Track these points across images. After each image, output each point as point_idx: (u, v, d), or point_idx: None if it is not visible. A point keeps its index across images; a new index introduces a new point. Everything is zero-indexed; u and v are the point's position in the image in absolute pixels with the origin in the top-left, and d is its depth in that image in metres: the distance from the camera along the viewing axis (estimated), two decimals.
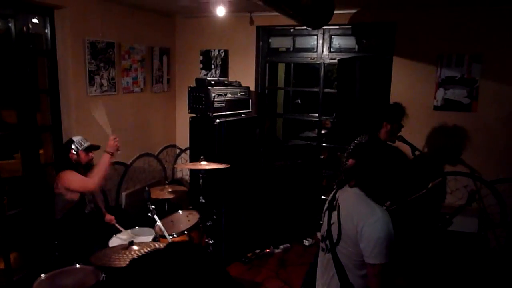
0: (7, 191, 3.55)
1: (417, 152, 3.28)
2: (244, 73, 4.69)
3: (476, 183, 3.87)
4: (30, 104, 3.29)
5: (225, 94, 3.76)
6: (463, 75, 3.79)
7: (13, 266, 3.22)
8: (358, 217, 1.66)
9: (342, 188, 1.84)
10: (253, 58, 4.68)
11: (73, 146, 3.00)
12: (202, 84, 3.69)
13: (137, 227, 3.21)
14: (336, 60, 4.34)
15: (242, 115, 4.00)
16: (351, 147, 3.10)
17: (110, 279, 2.33)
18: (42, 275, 2.33)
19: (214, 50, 4.80)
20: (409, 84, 4.00)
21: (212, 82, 3.72)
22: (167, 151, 5.06)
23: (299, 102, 6.03)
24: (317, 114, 4.70)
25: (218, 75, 4.79)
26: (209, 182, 3.43)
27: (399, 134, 3.10)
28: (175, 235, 2.85)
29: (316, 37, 4.52)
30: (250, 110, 4.13)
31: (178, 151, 5.22)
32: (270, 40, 4.81)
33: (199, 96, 3.66)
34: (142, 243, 2.52)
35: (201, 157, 3.29)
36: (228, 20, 4.46)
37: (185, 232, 2.90)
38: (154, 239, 2.86)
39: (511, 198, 3.78)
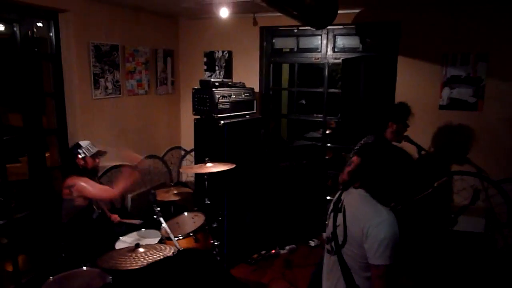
0: (15, 194, 3.58)
1: (423, 152, 3.26)
2: (248, 74, 4.69)
3: (483, 183, 3.84)
4: (36, 107, 3.31)
5: (230, 96, 3.76)
6: (468, 74, 3.76)
7: (21, 268, 3.24)
8: (363, 219, 1.65)
9: (347, 189, 1.83)
10: (257, 59, 4.68)
11: (80, 152, 3.01)
12: (206, 86, 3.69)
13: (143, 229, 3.22)
14: (340, 60, 4.32)
15: (247, 116, 4.00)
16: (357, 147, 3.08)
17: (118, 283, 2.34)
18: (50, 278, 2.34)
19: (218, 51, 4.80)
20: (414, 83, 3.97)
21: (216, 84, 3.73)
22: (172, 153, 5.07)
23: (304, 102, 6.02)
24: (321, 115, 4.69)
25: (222, 76, 4.79)
26: (214, 184, 3.43)
27: (405, 134, 3.08)
28: (181, 237, 2.86)
29: (320, 37, 4.50)
30: (255, 111, 4.12)
31: (183, 152, 5.23)
32: (274, 40, 4.80)
33: (203, 98, 3.66)
34: (148, 245, 2.52)
35: (206, 158, 3.30)
36: (231, 21, 4.46)
37: (191, 234, 2.90)
38: (160, 241, 2.87)
39: None
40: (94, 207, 3.07)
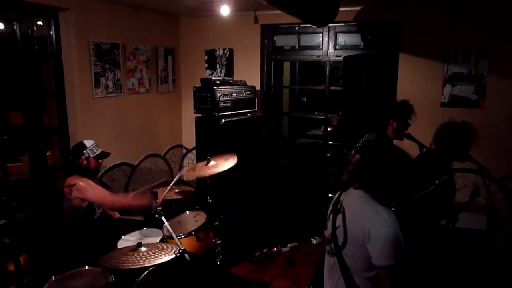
0: (16, 194, 3.57)
1: (424, 149, 3.25)
2: (249, 71, 4.68)
3: (484, 180, 3.83)
4: (37, 106, 3.30)
5: (231, 94, 3.75)
6: (470, 71, 3.74)
7: (23, 268, 3.24)
8: (364, 220, 1.65)
9: (346, 190, 1.82)
10: (258, 57, 4.67)
11: (84, 152, 2.99)
12: (208, 84, 3.68)
13: (145, 228, 3.22)
14: (341, 58, 4.31)
15: (248, 115, 3.99)
16: (359, 144, 3.08)
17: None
18: (52, 278, 2.34)
19: (219, 49, 4.79)
20: (415, 81, 3.96)
21: (218, 82, 3.71)
22: (173, 151, 5.07)
23: (305, 100, 6.00)
24: (323, 112, 4.68)
25: (223, 74, 4.78)
26: (216, 182, 3.43)
27: (406, 132, 3.08)
28: (183, 236, 2.85)
29: (321, 34, 4.49)
30: (256, 109, 4.11)
31: (184, 151, 5.23)
32: (275, 38, 4.78)
33: (204, 96, 3.65)
34: (150, 244, 2.53)
35: (208, 157, 3.28)
36: (232, 19, 4.45)
37: (193, 232, 2.89)
38: (162, 240, 2.87)
39: None
40: (95, 207, 3.06)
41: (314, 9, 3.11)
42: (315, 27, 4.30)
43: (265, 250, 4.05)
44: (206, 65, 4.89)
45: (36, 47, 3.35)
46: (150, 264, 2.25)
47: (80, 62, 3.56)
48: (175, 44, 4.90)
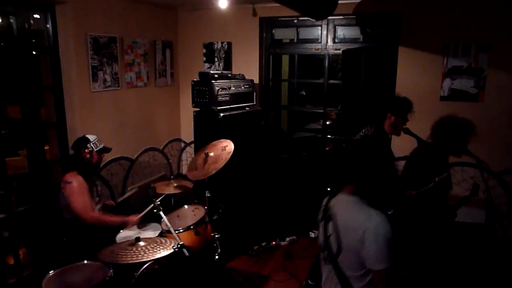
0: (15, 188, 3.58)
1: (422, 143, 3.24)
2: (248, 65, 4.65)
3: (483, 174, 3.83)
4: (34, 100, 3.29)
5: (229, 88, 3.74)
6: (470, 64, 3.72)
7: (23, 262, 3.26)
8: (356, 226, 1.63)
9: (335, 196, 1.80)
10: (256, 50, 4.64)
11: (88, 146, 3.00)
12: (206, 78, 3.66)
13: (143, 222, 3.22)
14: (340, 51, 4.28)
15: (247, 108, 3.98)
16: (357, 138, 3.07)
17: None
18: (51, 272, 2.35)
19: (217, 42, 4.76)
20: (415, 74, 3.94)
21: (216, 76, 3.70)
22: (172, 145, 5.06)
23: (304, 93, 5.99)
24: (322, 106, 4.67)
25: (221, 67, 4.76)
26: (214, 176, 3.43)
27: (405, 126, 3.07)
28: (181, 230, 2.86)
29: (320, 27, 4.46)
30: (255, 103, 4.10)
31: (183, 145, 5.23)
32: (273, 31, 4.75)
33: (202, 90, 3.64)
34: (148, 238, 2.53)
35: (206, 152, 3.28)
36: (230, 12, 4.42)
37: (191, 227, 2.90)
38: (161, 234, 2.88)
39: None
40: (93, 205, 3.06)
41: (313, 2, 3.08)
42: (314, 20, 4.27)
43: (263, 243, 4.07)
44: (204, 59, 4.87)
45: (34, 40, 3.33)
46: (149, 259, 2.26)
47: (77, 56, 3.54)
48: (173, 37, 4.87)
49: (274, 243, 4.12)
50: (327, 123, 4.82)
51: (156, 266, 2.59)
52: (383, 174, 1.71)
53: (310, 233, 4.33)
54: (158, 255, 2.27)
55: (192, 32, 4.87)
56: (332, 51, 4.43)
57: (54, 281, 2.31)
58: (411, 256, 3.40)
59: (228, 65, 4.75)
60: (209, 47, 4.81)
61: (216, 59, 4.81)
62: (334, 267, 1.73)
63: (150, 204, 2.86)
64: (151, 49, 4.48)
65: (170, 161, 5.03)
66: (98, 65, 3.74)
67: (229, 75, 3.92)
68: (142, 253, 2.28)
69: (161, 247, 2.36)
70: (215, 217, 3.40)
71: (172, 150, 5.08)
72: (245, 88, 3.96)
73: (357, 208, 1.68)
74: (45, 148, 3.56)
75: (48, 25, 3.42)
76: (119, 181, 4.18)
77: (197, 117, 3.81)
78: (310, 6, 3.22)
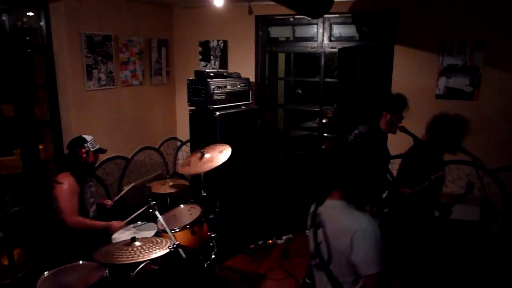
0: (9, 188, 3.55)
1: (418, 142, 3.25)
2: (244, 63, 4.64)
3: (478, 172, 3.85)
4: (28, 99, 3.26)
5: (225, 86, 3.72)
6: (465, 63, 3.73)
7: (17, 262, 3.23)
8: (345, 231, 1.61)
9: (322, 203, 1.77)
10: (252, 48, 4.62)
11: (85, 145, 2.99)
12: (201, 77, 3.65)
13: (139, 222, 3.21)
14: (336, 49, 4.28)
15: (242, 107, 3.97)
16: (352, 136, 3.08)
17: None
18: (46, 273, 2.33)
19: (213, 41, 4.74)
20: (410, 72, 3.95)
21: (211, 74, 3.68)
22: (168, 144, 5.04)
23: (300, 92, 5.98)
24: (318, 104, 4.66)
25: (217, 66, 4.74)
26: (210, 175, 3.42)
27: (401, 124, 3.07)
28: (177, 230, 2.85)
29: (316, 26, 4.45)
30: (250, 101, 4.09)
31: (179, 143, 5.21)
32: (269, 29, 4.74)
33: (198, 89, 3.63)
34: (144, 238, 2.52)
35: (202, 150, 3.27)
36: (226, 10, 4.39)
37: (187, 226, 2.89)
38: (156, 234, 2.87)
39: None
40: (87, 206, 3.04)
41: (308, 1, 3.07)
42: (310, 18, 4.26)
43: (260, 242, 4.02)
44: (200, 57, 4.84)
45: (28, 38, 3.30)
46: (145, 259, 2.25)
47: (71, 54, 3.51)
48: (168, 35, 4.84)
49: (270, 241, 4.07)
50: (323, 121, 4.82)
51: (155, 267, 2.58)
52: (369, 177, 1.68)
53: (307, 231, 4.32)
54: (153, 255, 2.26)
55: (187, 30, 4.84)
56: (328, 50, 4.43)
57: (49, 282, 2.30)
58: (407, 254, 3.41)
59: (224, 64, 4.73)
60: (205, 45, 4.79)
61: (212, 57, 4.79)
62: (326, 274, 1.71)
63: (141, 209, 2.86)
64: (146, 48, 4.45)
65: (166, 160, 5.01)
66: (92, 63, 3.71)
67: (225, 73, 3.91)
68: (138, 253, 2.27)
69: (156, 247, 2.35)
70: (211, 216, 3.39)
71: (168, 149, 5.06)
72: (241, 86, 3.95)
73: (345, 214, 1.66)
74: (40, 147, 3.53)
75: (41, 23, 3.39)
76: (115, 181, 4.16)
77: (193, 116, 3.80)
78: (306, 4, 3.21)
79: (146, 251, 2.29)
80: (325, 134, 4.72)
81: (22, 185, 3.38)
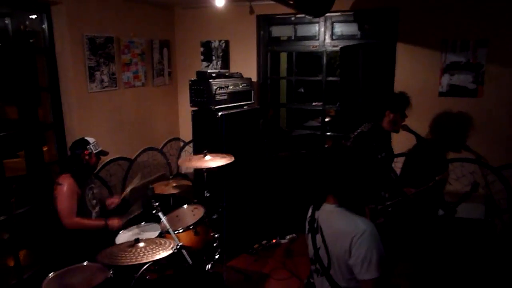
0: (15, 190, 3.57)
1: (421, 140, 3.24)
2: (246, 63, 4.64)
3: (482, 170, 3.83)
4: (31, 102, 3.28)
5: (227, 87, 3.73)
6: (468, 60, 3.71)
7: (23, 263, 3.26)
8: (343, 236, 1.60)
9: (320, 208, 1.77)
10: (254, 48, 4.62)
11: (88, 147, 3.00)
12: (203, 77, 3.66)
13: (143, 223, 3.22)
14: (338, 48, 4.26)
15: (245, 107, 3.97)
16: (354, 135, 3.07)
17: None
18: (51, 274, 2.35)
19: (215, 41, 4.74)
20: (413, 70, 3.93)
21: (213, 75, 3.69)
22: (171, 144, 5.05)
23: (302, 91, 5.98)
24: (320, 103, 4.65)
25: (219, 66, 4.74)
26: (213, 176, 3.43)
27: (403, 123, 3.06)
28: (181, 230, 2.87)
29: (317, 24, 4.44)
30: (253, 101, 4.09)
31: (182, 144, 5.22)
32: (271, 29, 4.73)
33: (200, 89, 3.63)
34: (148, 239, 2.53)
35: (205, 151, 3.28)
36: (227, 10, 4.39)
37: (191, 227, 2.90)
38: (160, 235, 2.88)
39: None
40: (89, 208, 3.05)
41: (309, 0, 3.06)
42: (311, 17, 4.24)
43: (263, 242, 4.05)
44: (202, 57, 4.85)
45: (31, 40, 3.31)
46: (148, 260, 2.26)
47: (74, 57, 3.52)
48: (170, 36, 4.85)
49: (274, 241, 4.10)
50: (326, 120, 4.81)
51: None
52: (362, 183, 1.66)
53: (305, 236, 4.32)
54: (157, 256, 2.27)
55: (189, 30, 4.85)
56: (330, 48, 4.42)
57: (54, 283, 2.31)
58: (410, 253, 3.40)
59: (226, 64, 4.73)
60: (207, 45, 4.80)
61: (213, 58, 4.79)
62: (327, 280, 1.71)
63: (141, 209, 2.85)
64: (148, 49, 4.46)
65: (169, 160, 5.02)
66: (95, 65, 3.72)
67: (227, 73, 3.91)
68: (142, 254, 2.28)
69: (160, 248, 2.35)
70: (214, 217, 3.40)
71: (171, 150, 5.07)
72: (243, 86, 3.95)
73: (342, 218, 1.65)
74: (44, 149, 3.55)
75: (44, 26, 3.40)
76: (118, 182, 4.18)
77: (195, 116, 3.80)
78: (307, 3, 3.20)
79: (150, 252, 2.30)
80: (328, 133, 4.72)
81: (27, 187, 3.40)
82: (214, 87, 3.57)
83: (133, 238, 2.45)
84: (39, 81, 3.50)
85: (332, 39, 4.40)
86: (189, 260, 2.59)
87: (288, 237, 4.24)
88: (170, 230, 2.62)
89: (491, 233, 3.73)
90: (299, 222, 4.32)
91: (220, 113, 3.58)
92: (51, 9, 3.39)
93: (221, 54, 4.74)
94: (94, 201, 3.12)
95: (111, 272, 2.35)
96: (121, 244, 2.53)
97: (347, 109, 4.24)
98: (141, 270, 2.44)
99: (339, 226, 1.64)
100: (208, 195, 3.32)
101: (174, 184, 3.56)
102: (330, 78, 4.52)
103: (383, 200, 2.92)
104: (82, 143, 3.02)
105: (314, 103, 5.01)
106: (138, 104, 4.37)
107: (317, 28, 4.46)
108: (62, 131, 3.58)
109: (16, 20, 3.09)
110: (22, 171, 3.46)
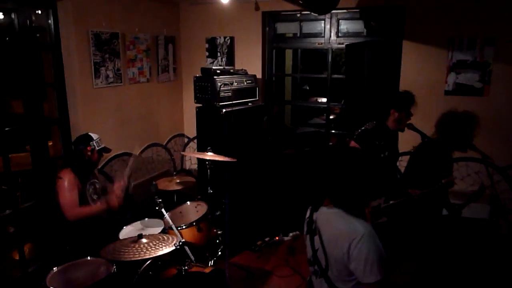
0: (20, 184, 3.61)
1: (426, 139, 3.22)
2: (251, 60, 4.63)
3: (488, 169, 3.80)
4: (37, 97, 3.30)
5: (231, 83, 3.72)
6: (475, 58, 3.67)
7: (28, 257, 3.30)
8: (341, 239, 1.59)
9: (318, 209, 1.76)
10: (259, 45, 4.61)
11: (91, 143, 3.01)
12: (208, 74, 3.65)
13: (146, 219, 3.23)
14: (344, 45, 4.24)
15: (249, 104, 3.96)
16: (357, 132, 3.06)
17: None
18: (55, 268, 2.37)
19: (220, 37, 4.73)
20: (419, 68, 3.90)
21: (218, 71, 3.68)
22: (175, 141, 5.07)
23: (307, 88, 5.96)
24: (325, 100, 4.64)
25: (224, 62, 4.74)
26: (217, 172, 3.43)
27: (409, 122, 3.04)
28: (184, 227, 2.88)
29: (323, 21, 4.41)
30: (257, 98, 4.08)
31: (186, 140, 5.23)
32: (276, 25, 4.71)
33: (204, 86, 3.63)
34: (151, 235, 2.54)
35: (208, 148, 3.28)
36: (233, 6, 4.39)
37: (194, 223, 2.91)
38: (163, 231, 2.90)
39: None
40: (90, 203, 3.07)
41: None
42: (317, 14, 4.22)
43: (266, 239, 4.04)
44: (207, 54, 4.85)
45: (38, 35, 3.33)
46: (151, 256, 2.27)
47: (79, 52, 3.53)
48: (175, 32, 4.85)
49: (277, 238, 4.09)
50: (331, 117, 4.79)
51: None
52: (357, 187, 1.64)
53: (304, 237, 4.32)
54: (160, 252, 2.28)
55: (194, 27, 4.84)
56: (335, 45, 4.39)
57: (58, 277, 2.34)
58: (414, 252, 3.39)
59: (231, 60, 4.73)
60: (212, 42, 4.79)
61: (219, 54, 4.79)
62: (326, 281, 1.70)
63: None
64: (153, 45, 4.47)
65: (173, 156, 5.04)
66: (100, 61, 3.74)
67: (231, 70, 3.91)
68: (145, 250, 2.30)
69: (163, 244, 2.37)
70: (218, 213, 3.40)
71: (176, 146, 5.09)
72: (247, 83, 3.94)
73: (341, 221, 1.64)
74: (49, 144, 3.58)
75: (50, 22, 3.41)
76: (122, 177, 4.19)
77: (199, 113, 3.81)
78: (313, 0, 3.18)
79: (153, 248, 2.31)
80: (333, 131, 4.70)
81: (32, 181, 3.44)
82: (219, 84, 3.57)
83: (136, 234, 2.46)
84: (45, 76, 3.52)
85: (338, 37, 4.38)
86: (191, 256, 2.60)
87: (291, 234, 4.23)
88: (173, 226, 2.64)
89: (495, 233, 3.71)
90: (302, 220, 4.35)
91: (224, 110, 3.58)
92: (57, 5, 3.40)
93: (226, 50, 4.74)
94: (95, 196, 3.14)
95: (114, 267, 2.36)
96: (125, 239, 2.55)
97: (352, 107, 4.22)
98: (144, 266, 2.45)
99: (337, 229, 1.64)
100: (211, 191, 3.32)
101: (178, 181, 3.57)
102: (335, 76, 4.50)
103: (388, 198, 2.91)
104: (86, 139, 3.03)
105: (319, 100, 4.99)
106: (143, 100, 4.38)
107: (322, 25, 4.43)
108: (67, 126, 3.60)
109: (22, 15, 3.11)
110: (28, 165, 3.49)
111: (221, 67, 3.83)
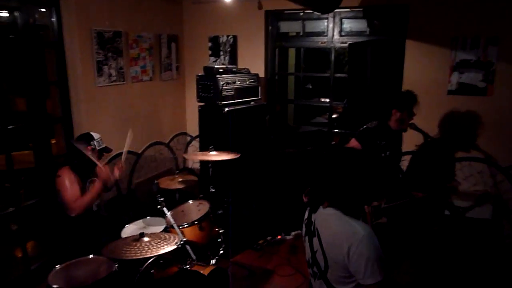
0: (23, 182, 3.62)
1: (429, 139, 3.21)
2: (254, 59, 4.62)
3: (491, 169, 3.78)
4: (40, 96, 3.31)
5: (234, 82, 3.72)
6: (478, 58, 3.65)
7: (30, 254, 3.31)
8: (340, 241, 1.58)
9: (316, 210, 1.75)
10: (262, 44, 4.60)
11: (91, 143, 3.01)
12: (210, 73, 3.65)
13: (148, 217, 3.24)
14: (347, 44, 4.23)
15: (252, 103, 3.96)
16: (359, 131, 3.06)
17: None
18: (57, 266, 2.38)
19: (223, 36, 4.73)
20: (422, 68, 3.88)
21: (220, 70, 3.69)
22: (178, 139, 5.07)
23: (310, 87, 5.95)
24: (328, 99, 4.63)
25: (227, 61, 4.74)
26: (219, 171, 3.44)
27: (411, 121, 3.03)
28: (186, 225, 2.88)
29: (326, 20, 4.40)
30: (260, 97, 4.09)
31: (189, 138, 5.23)
32: (279, 24, 4.71)
33: (207, 85, 3.63)
34: (152, 234, 2.55)
35: (211, 147, 3.29)
36: (236, 5, 4.38)
37: (196, 222, 2.92)
38: (165, 230, 2.90)
39: None
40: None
41: None
42: (320, 13, 4.21)
43: (268, 238, 4.07)
44: (210, 52, 4.84)
45: (41, 33, 3.33)
46: (153, 255, 2.27)
47: (82, 51, 3.54)
48: (178, 31, 4.85)
49: (279, 237, 4.12)
50: (333, 116, 4.79)
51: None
52: (354, 190, 1.63)
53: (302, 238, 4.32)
54: (161, 251, 2.28)
55: (197, 25, 4.84)
56: (338, 44, 4.38)
57: (60, 275, 2.34)
58: (416, 252, 3.38)
59: (233, 59, 4.72)
60: (215, 40, 4.79)
61: (221, 53, 4.79)
62: (325, 283, 1.69)
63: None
64: (156, 43, 4.47)
65: (176, 155, 5.04)
66: (103, 59, 3.74)
67: (234, 69, 3.91)
68: (146, 248, 2.30)
69: (165, 243, 2.37)
70: (220, 212, 3.41)
71: (178, 144, 5.09)
72: (250, 82, 3.94)
73: (339, 222, 1.63)
74: (52, 142, 3.59)
75: (53, 20, 3.42)
76: (126, 175, 4.20)
77: (202, 111, 3.81)
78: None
79: (155, 247, 2.32)
80: (335, 130, 4.69)
81: (35, 179, 3.45)
82: (221, 83, 3.57)
83: (138, 232, 2.47)
84: (48, 74, 3.53)
85: (341, 35, 4.37)
86: (193, 255, 2.61)
87: (293, 233, 4.26)
88: (175, 225, 2.64)
89: (498, 234, 3.70)
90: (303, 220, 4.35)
91: (226, 109, 3.58)
92: (60, 3, 3.40)
93: (229, 49, 4.73)
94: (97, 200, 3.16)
95: (116, 266, 2.37)
96: (126, 238, 2.56)
97: (354, 106, 4.21)
98: (145, 264, 2.46)
99: (336, 231, 1.63)
100: (213, 190, 3.33)
101: (180, 179, 3.57)
102: (338, 75, 4.49)
103: (390, 198, 2.90)
104: (87, 138, 3.03)
105: (321, 99, 4.98)
106: (145, 98, 4.39)
107: (325, 24, 4.42)
108: (70, 124, 3.61)
109: (25, 13, 3.11)
110: (31, 163, 3.51)
111: (224, 66, 3.84)
